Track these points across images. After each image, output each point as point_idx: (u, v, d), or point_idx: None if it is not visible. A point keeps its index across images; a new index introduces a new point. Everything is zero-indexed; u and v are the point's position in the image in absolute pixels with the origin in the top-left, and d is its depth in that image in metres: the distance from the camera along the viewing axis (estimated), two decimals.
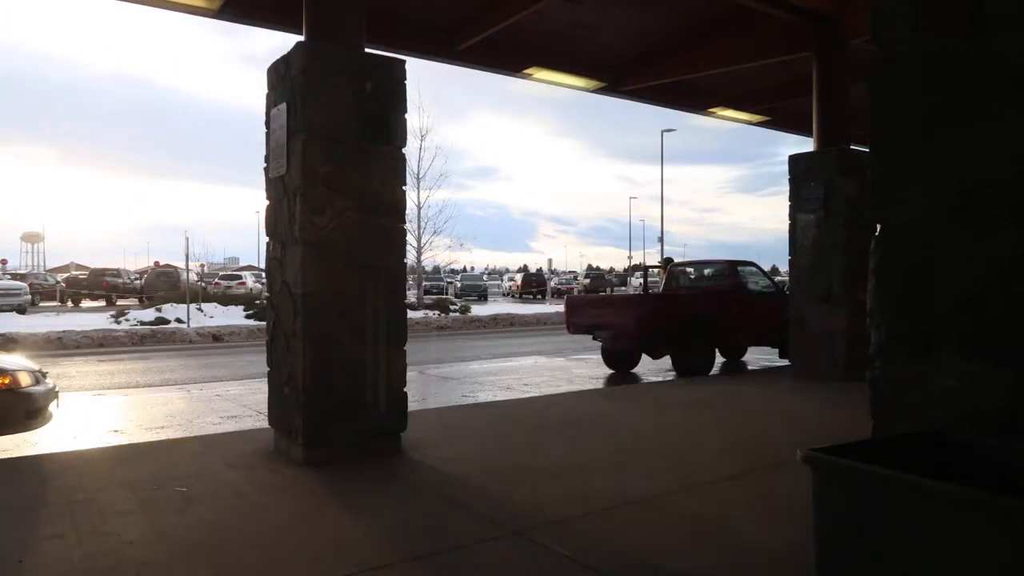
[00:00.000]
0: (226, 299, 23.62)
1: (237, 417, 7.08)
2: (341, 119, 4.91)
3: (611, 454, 5.21)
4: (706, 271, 12.55)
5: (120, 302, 28.28)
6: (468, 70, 9.74)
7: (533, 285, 44.94)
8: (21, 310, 24.02)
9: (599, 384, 9.19)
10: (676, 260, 14.65)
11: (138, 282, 35.26)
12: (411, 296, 23.17)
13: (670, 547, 3.38)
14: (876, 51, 2.54)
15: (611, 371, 9.35)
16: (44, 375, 5.66)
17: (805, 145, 9.81)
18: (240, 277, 38.90)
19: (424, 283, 29.58)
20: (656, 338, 10.02)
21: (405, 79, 5.20)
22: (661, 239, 42.81)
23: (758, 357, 12.98)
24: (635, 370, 9.43)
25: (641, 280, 43.74)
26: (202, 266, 34.32)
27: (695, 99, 11.88)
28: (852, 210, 8.46)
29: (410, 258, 24.02)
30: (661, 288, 12.81)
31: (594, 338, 10.50)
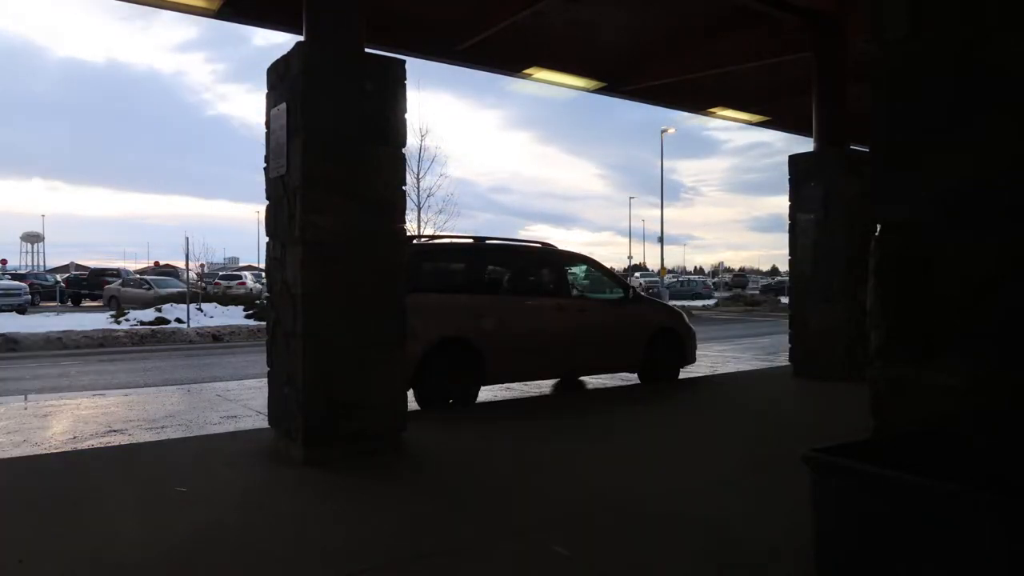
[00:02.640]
0: (226, 299, 23.60)
1: (237, 417, 7.08)
2: (341, 119, 4.91)
3: (615, 453, 5.21)
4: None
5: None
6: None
7: None
8: (21, 310, 24.01)
9: (600, 384, 9.18)
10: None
11: None
12: None
13: (669, 545, 3.38)
14: (876, 51, 2.54)
15: (611, 372, 9.34)
16: None
17: (805, 145, 9.81)
18: (240, 277, 38.89)
19: None
20: None
21: (405, 79, 5.20)
22: (661, 239, 42.80)
23: (756, 356, 12.99)
24: (630, 374, 9.43)
25: (643, 280, 43.67)
26: (202, 266, 34.28)
27: (695, 99, 11.88)
28: (852, 210, 8.45)
29: None
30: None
31: None
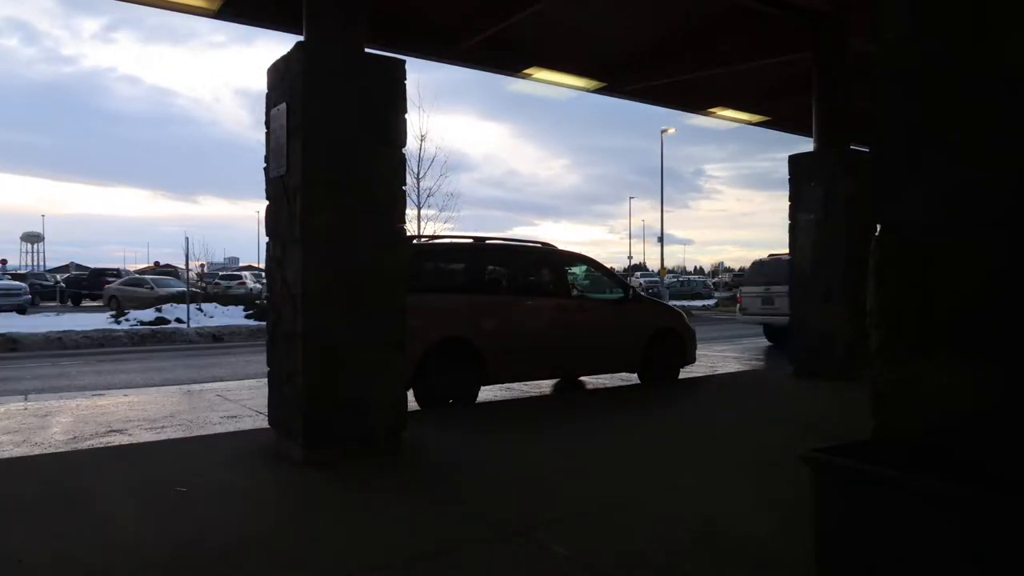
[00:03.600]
0: (226, 299, 23.62)
1: (237, 417, 7.08)
2: (341, 119, 4.91)
3: (615, 452, 5.21)
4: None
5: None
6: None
7: None
8: (21, 310, 24.03)
9: (600, 384, 9.18)
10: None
11: None
12: None
13: (669, 543, 3.38)
14: (877, 51, 2.54)
15: (611, 373, 9.36)
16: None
17: (805, 145, 9.81)
18: (240, 277, 38.90)
19: None
20: None
21: (405, 79, 5.20)
22: (661, 239, 42.80)
23: (756, 356, 12.99)
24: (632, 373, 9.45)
25: (643, 280, 43.67)
26: (202, 266, 34.32)
27: (695, 99, 11.88)
28: (852, 210, 8.46)
29: None
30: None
31: None
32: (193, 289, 22.13)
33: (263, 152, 5.39)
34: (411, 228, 23.06)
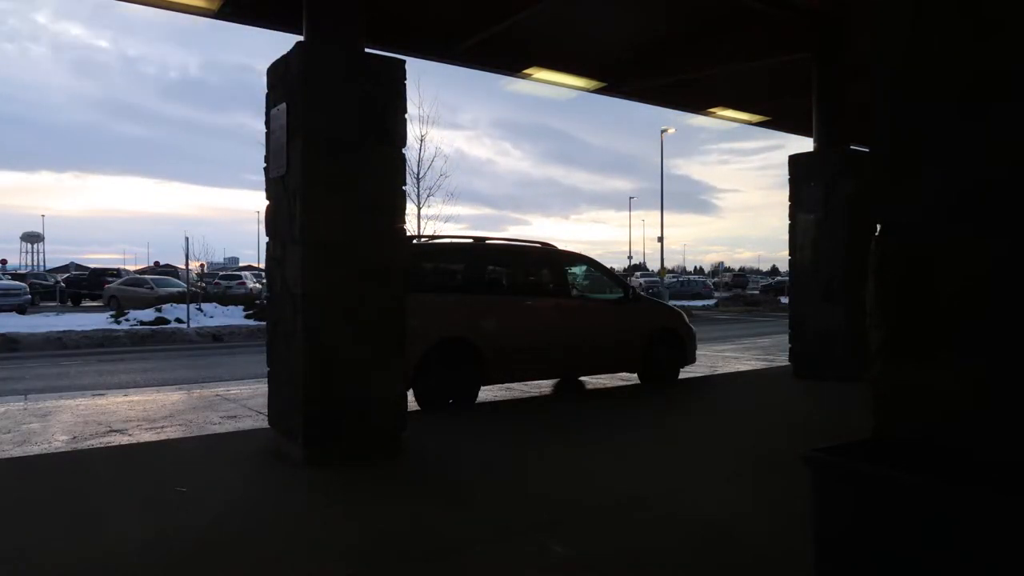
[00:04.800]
0: (226, 299, 23.60)
1: (237, 417, 7.08)
2: (341, 119, 4.91)
3: (615, 453, 5.21)
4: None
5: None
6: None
7: None
8: (21, 310, 24.03)
9: (600, 385, 9.18)
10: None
11: None
12: None
13: (670, 543, 3.38)
14: (877, 51, 2.54)
15: (611, 373, 9.35)
16: None
17: (805, 145, 9.82)
18: (240, 277, 38.87)
19: None
20: None
21: (405, 79, 5.21)
22: (660, 239, 42.77)
23: (756, 356, 12.99)
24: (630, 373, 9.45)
25: (643, 280, 43.66)
26: (202, 266, 34.26)
27: (695, 99, 11.87)
28: (852, 210, 8.47)
29: None
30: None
31: None
32: (193, 289, 22.11)
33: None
34: (411, 228, 23.01)
